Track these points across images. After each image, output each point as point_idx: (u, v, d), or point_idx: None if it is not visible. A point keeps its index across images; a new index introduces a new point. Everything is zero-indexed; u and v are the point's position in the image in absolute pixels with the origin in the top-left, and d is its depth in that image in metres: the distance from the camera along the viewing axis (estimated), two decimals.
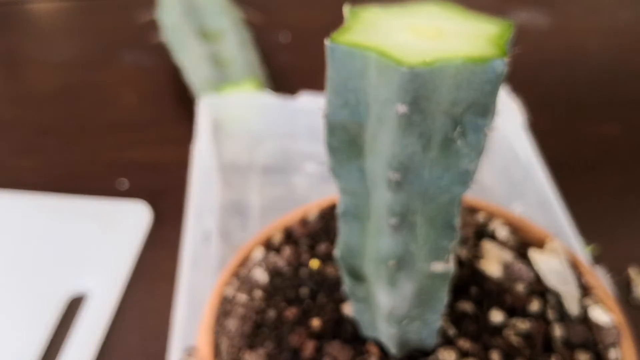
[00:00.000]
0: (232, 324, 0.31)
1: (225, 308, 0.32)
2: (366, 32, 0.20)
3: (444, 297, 0.26)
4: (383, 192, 0.22)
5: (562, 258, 0.34)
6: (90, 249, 0.46)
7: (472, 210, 0.38)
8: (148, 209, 0.49)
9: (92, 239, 0.47)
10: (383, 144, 0.20)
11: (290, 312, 0.32)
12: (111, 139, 0.57)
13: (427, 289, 0.26)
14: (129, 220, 0.48)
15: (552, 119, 0.58)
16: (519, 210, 0.46)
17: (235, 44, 0.59)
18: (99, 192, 0.50)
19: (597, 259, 0.44)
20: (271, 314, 0.32)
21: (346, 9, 0.21)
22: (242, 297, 0.33)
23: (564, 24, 0.72)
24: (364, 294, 0.28)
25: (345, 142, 0.22)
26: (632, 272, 0.44)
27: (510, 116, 0.49)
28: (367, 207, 0.24)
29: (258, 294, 0.33)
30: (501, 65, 0.18)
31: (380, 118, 0.20)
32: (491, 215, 0.37)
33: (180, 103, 0.60)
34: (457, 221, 0.23)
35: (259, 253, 0.35)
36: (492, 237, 0.36)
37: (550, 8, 0.74)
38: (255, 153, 0.52)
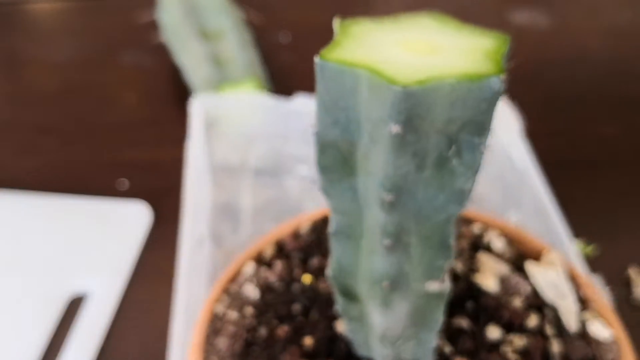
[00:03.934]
0: (222, 342, 0.31)
1: (215, 326, 0.32)
2: (357, 48, 0.19)
3: (439, 316, 0.26)
4: (376, 213, 0.21)
5: (559, 270, 0.33)
6: (90, 249, 0.46)
7: (467, 221, 0.37)
8: (148, 209, 0.49)
9: (92, 239, 0.47)
10: (376, 164, 0.20)
11: (282, 330, 0.31)
12: (111, 139, 0.57)
13: (422, 309, 0.25)
14: (129, 220, 0.48)
15: (551, 119, 0.58)
16: (514, 218, 0.45)
17: (235, 44, 0.59)
18: (99, 192, 0.50)
19: (598, 260, 0.44)
20: (262, 332, 0.31)
21: (336, 23, 0.20)
22: (233, 315, 0.32)
23: (564, 24, 0.72)
24: (357, 313, 0.27)
25: (336, 161, 0.21)
26: (632, 272, 0.44)
27: (506, 123, 0.49)
28: (360, 227, 0.23)
29: (249, 310, 0.32)
30: (497, 83, 0.17)
31: (372, 137, 0.19)
32: (487, 226, 0.37)
33: (180, 103, 0.60)
34: (453, 240, 0.22)
35: (250, 268, 0.34)
36: (488, 249, 0.35)
37: (550, 8, 0.74)
38: (248, 154, 0.51)
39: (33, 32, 0.75)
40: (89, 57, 0.69)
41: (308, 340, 0.30)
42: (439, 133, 0.19)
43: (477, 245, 0.35)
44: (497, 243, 0.35)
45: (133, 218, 0.48)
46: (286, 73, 0.63)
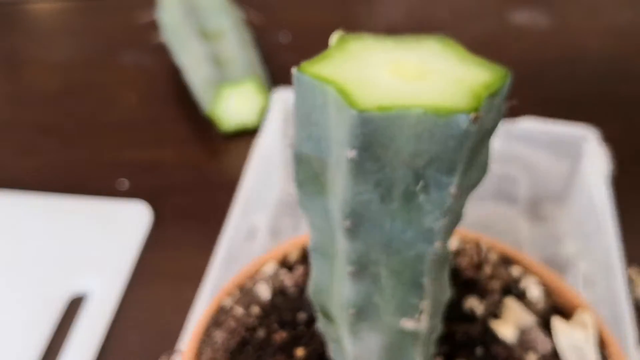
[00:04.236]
0: (219, 336, 0.31)
1: (219, 318, 0.32)
2: (342, 63, 0.18)
3: (415, 356, 0.24)
4: (340, 237, 0.21)
5: (589, 333, 0.30)
6: (90, 249, 0.46)
7: (506, 261, 0.34)
8: (148, 209, 0.49)
9: (92, 239, 0.47)
10: (338, 188, 0.19)
11: (279, 336, 0.31)
12: (111, 139, 0.57)
13: (398, 345, 0.24)
14: (129, 220, 0.48)
15: (551, 118, 0.58)
16: (582, 270, 0.41)
17: (235, 44, 0.59)
18: (99, 192, 0.50)
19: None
20: (261, 333, 0.31)
21: (335, 36, 0.19)
22: (239, 311, 0.32)
23: (564, 24, 0.72)
24: (334, 335, 0.26)
25: (310, 177, 0.20)
26: (632, 272, 0.44)
27: (594, 163, 0.45)
28: (332, 247, 0.22)
29: (255, 310, 0.32)
30: (465, 121, 0.16)
31: (337, 159, 0.18)
32: (527, 271, 0.34)
33: (180, 103, 0.60)
34: (427, 281, 0.21)
35: (270, 268, 0.34)
36: (521, 295, 0.33)
37: (550, 8, 0.74)
38: None
39: (33, 32, 0.75)
40: (89, 57, 0.69)
41: (300, 351, 0.30)
42: (405, 165, 0.18)
43: (510, 289, 0.33)
44: (533, 291, 0.32)
45: (133, 218, 0.48)
46: (286, 73, 0.62)
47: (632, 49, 0.68)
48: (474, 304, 0.32)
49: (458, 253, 0.34)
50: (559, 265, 0.44)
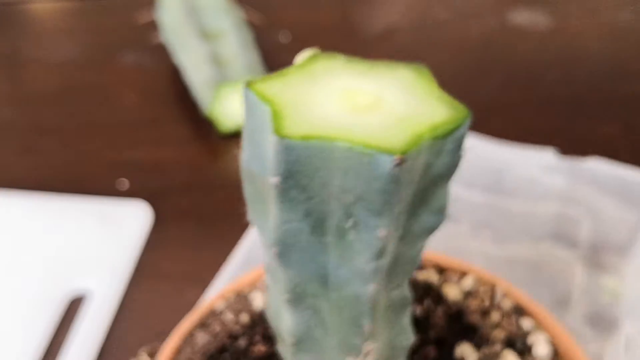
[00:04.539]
0: (202, 338, 0.31)
1: (206, 320, 0.32)
2: (294, 84, 0.17)
3: None
4: (273, 263, 0.20)
5: None
6: (91, 249, 0.46)
7: (519, 311, 0.32)
8: (148, 209, 0.49)
9: (92, 239, 0.47)
10: (270, 212, 0.18)
11: (258, 349, 0.30)
12: (111, 139, 0.57)
13: None
14: (129, 220, 0.48)
15: (552, 119, 0.58)
16: (628, 331, 0.38)
17: (235, 44, 0.59)
18: (99, 192, 0.50)
19: None
20: (242, 343, 0.31)
21: (305, 53, 0.19)
22: (228, 317, 0.32)
23: (564, 24, 0.72)
24: (289, 358, 0.26)
25: (256, 194, 0.20)
26: None
27: None
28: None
29: (244, 318, 0.32)
30: (389, 163, 0.15)
31: (270, 183, 0.18)
32: (539, 325, 0.31)
33: (180, 103, 0.60)
34: (368, 323, 0.20)
35: None
36: (526, 352, 0.30)
37: (550, 8, 0.74)
38: None
39: (33, 32, 0.75)
40: (89, 57, 0.69)
41: None
42: (335, 199, 0.17)
43: (515, 342, 0.30)
44: (541, 349, 0.30)
45: (133, 218, 0.48)
46: None
47: (632, 49, 0.68)
48: (467, 352, 0.30)
49: (469, 294, 0.32)
50: (607, 323, 0.40)
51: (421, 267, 0.34)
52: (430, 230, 0.19)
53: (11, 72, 0.68)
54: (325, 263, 0.19)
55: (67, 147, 0.56)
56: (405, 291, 0.21)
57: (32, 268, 0.44)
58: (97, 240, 0.46)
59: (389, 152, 0.15)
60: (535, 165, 0.48)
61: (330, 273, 0.19)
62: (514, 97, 0.60)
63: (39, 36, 0.74)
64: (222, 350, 0.31)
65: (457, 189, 0.45)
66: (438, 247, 0.40)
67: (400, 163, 0.15)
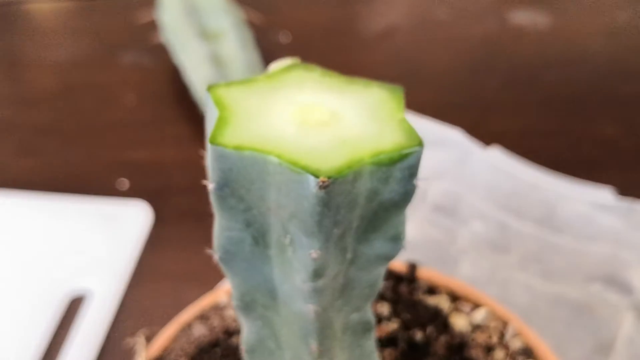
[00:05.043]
0: (198, 330, 0.31)
1: (207, 313, 0.32)
2: (255, 92, 0.17)
3: None
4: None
5: None
6: (91, 249, 0.46)
7: (528, 353, 0.30)
8: (148, 209, 0.49)
9: (92, 239, 0.47)
10: (216, 218, 0.18)
11: None
12: (111, 139, 0.57)
13: None
14: (129, 220, 0.48)
15: (551, 118, 0.58)
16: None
17: (235, 44, 0.59)
18: (99, 192, 0.50)
19: None
20: (234, 340, 0.31)
21: (281, 62, 0.18)
22: (229, 312, 0.32)
23: (564, 24, 0.72)
24: None
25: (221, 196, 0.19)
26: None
27: None
28: None
29: None
30: (312, 185, 0.15)
31: None
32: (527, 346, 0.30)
33: (180, 103, 0.60)
34: (316, 343, 0.20)
35: None
36: None
37: (550, 8, 0.74)
38: (429, 186, 0.47)
39: (33, 32, 0.75)
40: (89, 57, 0.69)
41: None
42: (274, 213, 0.17)
43: None
44: None
45: (133, 218, 0.48)
46: None
47: (632, 49, 0.68)
48: None
49: (478, 327, 0.32)
50: None
51: (433, 292, 0.33)
52: (387, 257, 0.18)
53: (11, 72, 0.68)
54: (271, 275, 0.19)
55: (67, 147, 0.57)
56: (367, 315, 0.21)
57: (32, 268, 0.44)
58: (97, 240, 0.46)
59: (315, 173, 0.15)
60: (590, 202, 0.46)
61: (277, 287, 0.19)
62: (514, 97, 0.60)
63: (39, 36, 0.74)
64: (214, 344, 0.31)
65: (508, 218, 0.45)
66: (482, 274, 0.39)
67: (325, 186, 0.15)
